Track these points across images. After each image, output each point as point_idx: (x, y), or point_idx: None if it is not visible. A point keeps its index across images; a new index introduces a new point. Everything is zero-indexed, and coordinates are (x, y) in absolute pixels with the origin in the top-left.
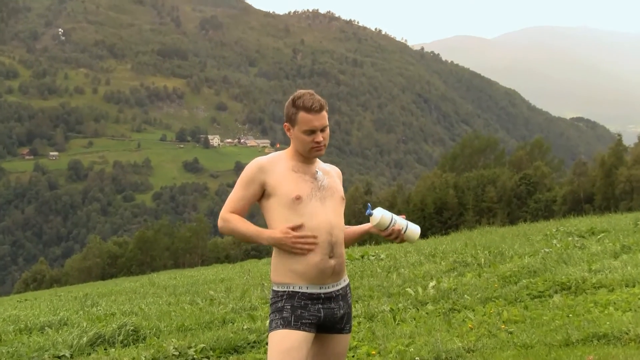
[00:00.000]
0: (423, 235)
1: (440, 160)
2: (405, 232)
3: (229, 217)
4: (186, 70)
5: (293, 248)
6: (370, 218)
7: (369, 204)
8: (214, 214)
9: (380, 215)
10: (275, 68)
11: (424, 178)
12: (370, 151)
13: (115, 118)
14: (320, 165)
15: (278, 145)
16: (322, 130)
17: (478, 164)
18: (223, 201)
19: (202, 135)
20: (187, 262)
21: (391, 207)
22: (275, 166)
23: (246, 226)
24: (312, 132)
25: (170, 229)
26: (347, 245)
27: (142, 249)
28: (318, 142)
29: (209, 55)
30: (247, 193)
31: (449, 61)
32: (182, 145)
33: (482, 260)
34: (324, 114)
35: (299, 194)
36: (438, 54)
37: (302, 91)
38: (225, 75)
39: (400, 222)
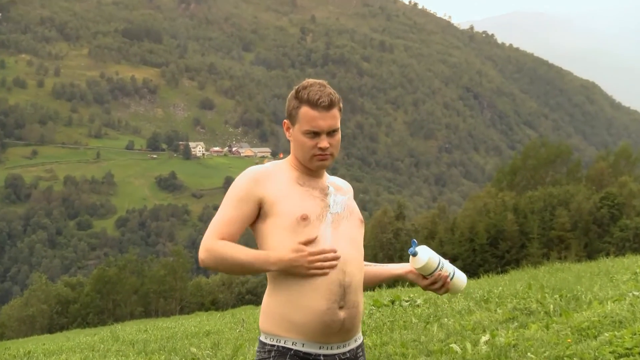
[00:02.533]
0: (473, 273)
1: (496, 174)
2: (452, 278)
3: (215, 245)
4: (160, 57)
5: (309, 270)
6: (413, 258)
7: (414, 241)
8: (197, 245)
9: (427, 257)
10: (277, 54)
11: (473, 198)
12: (402, 163)
13: (67, 120)
14: (329, 179)
15: (281, 156)
16: (330, 134)
17: (545, 180)
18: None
19: (181, 142)
20: (161, 310)
21: (430, 237)
22: (274, 177)
23: (240, 252)
24: (315, 134)
25: (139, 265)
26: (367, 287)
27: (102, 292)
28: (322, 149)
29: (190, 37)
30: (239, 213)
31: (507, 44)
32: (155, 156)
33: (551, 307)
34: (335, 112)
35: (306, 213)
36: (492, 35)
37: (311, 81)
38: (212, 63)
39: (448, 267)
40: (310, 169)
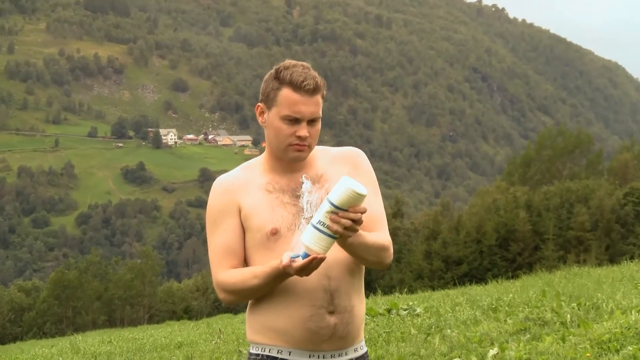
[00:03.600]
0: (481, 278)
1: (507, 166)
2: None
3: (226, 280)
4: (127, 32)
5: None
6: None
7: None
8: (168, 245)
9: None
10: (260, 29)
11: (481, 194)
12: (401, 153)
13: (21, 103)
14: (313, 167)
15: (264, 145)
16: (310, 122)
17: (562, 173)
18: (181, 227)
19: (150, 129)
20: (127, 318)
21: (432, 238)
22: (245, 185)
23: (251, 276)
24: (294, 120)
25: (103, 268)
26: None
27: (61, 298)
28: (301, 138)
29: (160, 10)
30: (230, 234)
31: (519, 19)
32: (120, 144)
33: (568, 317)
34: (318, 99)
35: (275, 227)
36: (503, 9)
37: (293, 62)
38: (185, 39)
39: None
40: (283, 164)
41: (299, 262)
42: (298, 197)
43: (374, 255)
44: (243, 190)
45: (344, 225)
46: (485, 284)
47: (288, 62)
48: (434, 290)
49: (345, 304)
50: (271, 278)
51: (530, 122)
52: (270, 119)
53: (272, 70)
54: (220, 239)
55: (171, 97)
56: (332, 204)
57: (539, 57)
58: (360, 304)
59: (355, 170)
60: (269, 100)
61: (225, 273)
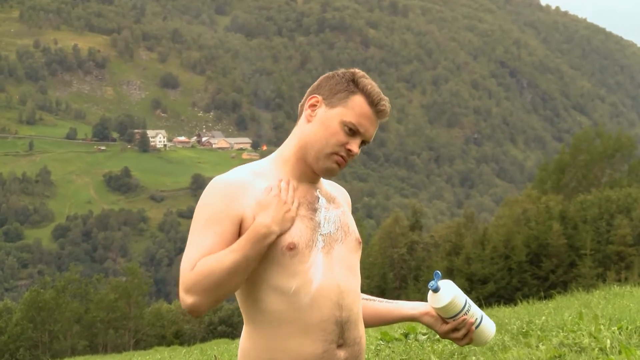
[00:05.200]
0: (509, 299)
1: (538, 173)
2: (478, 326)
3: (198, 271)
4: (111, 21)
5: (293, 212)
6: (433, 295)
7: (437, 273)
8: (157, 261)
9: (452, 295)
10: (259, 18)
11: (509, 203)
12: (419, 157)
13: None
14: (323, 187)
15: (265, 148)
16: (362, 143)
17: (601, 180)
18: (171, 240)
19: (136, 131)
20: (110, 344)
21: (455, 253)
22: (253, 190)
23: (222, 257)
24: (353, 132)
25: (83, 287)
26: (369, 326)
27: (36, 320)
28: (349, 152)
29: None
30: (218, 240)
31: (552, 7)
32: (103, 147)
33: (608, 342)
34: (378, 125)
35: (293, 241)
36: None
37: (361, 71)
38: (176, 29)
39: (475, 311)
40: (305, 172)
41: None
42: (315, 210)
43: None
44: (249, 195)
45: (465, 328)
46: (515, 305)
47: (359, 70)
48: None
49: (355, 336)
50: (249, 244)
51: (564, 122)
52: (328, 117)
53: (348, 72)
54: (205, 240)
55: (160, 94)
56: (479, 320)
57: (574, 50)
58: (364, 333)
59: (349, 208)
60: (335, 98)
61: (194, 269)
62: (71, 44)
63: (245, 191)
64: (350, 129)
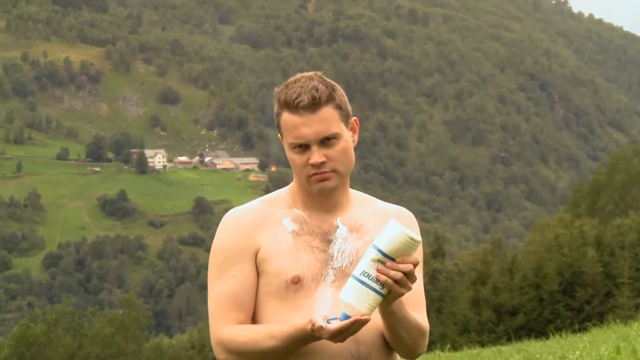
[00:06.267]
0: (541, 332)
1: (571, 194)
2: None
3: (234, 335)
4: (105, 32)
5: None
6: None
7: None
8: (156, 292)
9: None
10: (267, 27)
11: (540, 228)
12: (442, 178)
13: None
14: (352, 213)
15: (274, 169)
16: (324, 142)
17: None
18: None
19: (134, 150)
20: None
21: (481, 282)
22: (267, 221)
23: (266, 335)
24: (302, 147)
25: (77, 320)
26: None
27: (25, 357)
28: (315, 166)
29: (145, 5)
30: (240, 282)
31: (585, 14)
32: (97, 168)
33: None
34: (326, 113)
35: (298, 275)
36: (565, 2)
37: (298, 75)
38: (176, 39)
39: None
40: (315, 200)
41: (336, 324)
42: (329, 242)
43: (412, 336)
44: (263, 227)
45: (394, 277)
46: (547, 338)
47: (293, 77)
48: (483, 346)
49: None
50: (293, 341)
51: (599, 140)
52: (286, 149)
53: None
54: (227, 286)
55: (159, 110)
56: (380, 251)
57: (609, 61)
58: None
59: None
60: (280, 128)
61: (231, 329)
62: (62, 56)
63: (260, 225)
64: (297, 147)
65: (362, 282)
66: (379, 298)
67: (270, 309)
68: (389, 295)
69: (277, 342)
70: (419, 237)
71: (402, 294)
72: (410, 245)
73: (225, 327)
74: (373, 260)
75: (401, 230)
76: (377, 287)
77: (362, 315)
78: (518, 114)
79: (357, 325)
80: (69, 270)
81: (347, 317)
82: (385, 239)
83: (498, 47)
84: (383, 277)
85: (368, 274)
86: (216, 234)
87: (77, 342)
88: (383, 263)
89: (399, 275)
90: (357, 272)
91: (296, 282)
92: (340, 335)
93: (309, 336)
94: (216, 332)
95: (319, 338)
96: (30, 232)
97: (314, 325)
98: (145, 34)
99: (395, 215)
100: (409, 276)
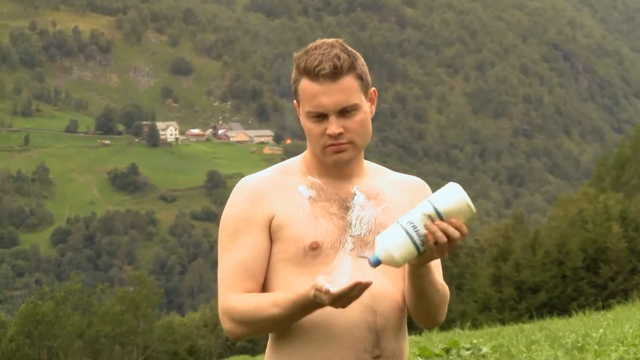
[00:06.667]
0: (563, 310)
1: (596, 168)
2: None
3: (239, 303)
4: (116, 0)
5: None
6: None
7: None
8: (168, 269)
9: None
10: None
11: (563, 202)
12: (462, 152)
13: None
14: (368, 181)
15: (289, 141)
16: (343, 113)
17: None
18: (184, 246)
19: (145, 123)
20: None
21: (502, 258)
22: (282, 188)
23: (269, 303)
24: (320, 116)
25: (86, 298)
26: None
27: (33, 335)
28: (332, 137)
29: None
30: (251, 247)
31: None
32: (107, 141)
33: None
34: (347, 83)
35: (316, 240)
36: None
37: (321, 41)
38: (189, 8)
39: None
40: (329, 169)
41: (344, 284)
42: (347, 209)
43: (435, 302)
44: (278, 194)
45: (439, 238)
46: (569, 316)
47: (314, 43)
48: (504, 324)
49: (393, 347)
50: (296, 308)
51: (625, 112)
52: (301, 117)
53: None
54: (237, 255)
55: (171, 81)
56: (435, 208)
57: (635, 31)
58: (406, 346)
59: (393, 211)
60: (297, 96)
61: (238, 297)
62: (71, 25)
63: (274, 190)
64: (315, 117)
65: (406, 231)
66: (414, 253)
67: (286, 275)
68: (424, 255)
69: (280, 309)
70: (474, 209)
71: (437, 258)
72: (466, 212)
73: (232, 295)
74: (424, 215)
75: (462, 195)
76: (418, 241)
77: (363, 281)
78: (541, 85)
79: (358, 289)
80: (78, 247)
81: (377, 260)
82: (444, 199)
83: (521, 16)
84: (429, 235)
85: (415, 225)
86: (227, 202)
87: (86, 320)
88: (432, 221)
89: (444, 238)
90: (403, 220)
91: (315, 248)
92: (341, 300)
93: (310, 303)
94: (223, 301)
95: (321, 305)
96: (38, 207)
97: (318, 289)
98: (157, 2)
99: (415, 185)
100: (452, 243)
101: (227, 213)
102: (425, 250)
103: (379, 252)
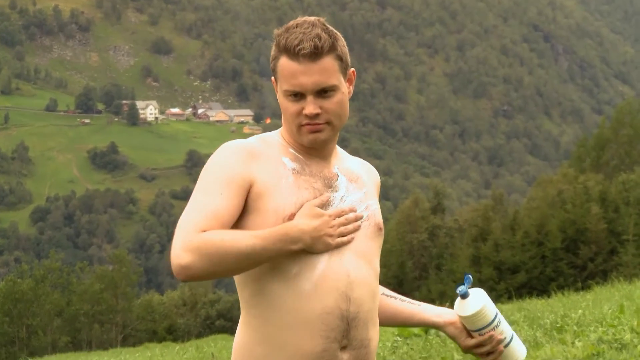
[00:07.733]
0: (543, 290)
1: (575, 149)
2: (507, 346)
3: (201, 240)
4: None
5: (336, 239)
6: (461, 302)
7: (468, 276)
8: (147, 247)
9: (481, 304)
10: None
11: (543, 183)
12: (442, 132)
13: None
14: (343, 164)
15: (268, 121)
16: (321, 94)
17: None
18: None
19: (125, 102)
20: (96, 340)
21: (481, 239)
22: (266, 156)
23: (241, 236)
24: (298, 95)
25: (65, 276)
26: (383, 325)
27: (12, 314)
28: (309, 117)
29: None
30: (227, 203)
31: None
32: (87, 120)
33: None
34: (326, 63)
35: (295, 212)
36: None
37: (302, 19)
38: None
39: (505, 327)
40: (307, 148)
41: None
42: (331, 188)
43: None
44: (262, 161)
45: (489, 343)
46: (548, 297)
47: (295, 20)
48: None
49: (362, 337)
50: (276, 238)
51: (605, 93)
52: (279, 95)
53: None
54: (214, 202)
55: (151, 61)
56: (507, 339)
57: (615, 12)
58: (376, 335)
59: (377, 189)
60: (275, 73)
61: (207, 232)
62: (51, 4)
63: (258, 157)
64: (292, 95)
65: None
66: (491, 329)
67: None
68: (471, 345)
69: (259, 240)
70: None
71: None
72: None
73: (197, 231)
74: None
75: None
76: (503, 335)
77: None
78: (521, 66)
79: (355, 216)
80: (58, 225)
81: (466, 294)
82: (514, 337)
83: None
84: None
85: (501, 329)
86: (213, 155)
87: (66, 298)
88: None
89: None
90: (507, 326)
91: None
92: (333, 226)
93: (290, 237)
94: (186, 237)
95: (298, 241)
96: (17, 186)
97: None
98: None
99: (372, 170)
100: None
101: (213, 161)
102: (482, 337)
103: (477, 295)
